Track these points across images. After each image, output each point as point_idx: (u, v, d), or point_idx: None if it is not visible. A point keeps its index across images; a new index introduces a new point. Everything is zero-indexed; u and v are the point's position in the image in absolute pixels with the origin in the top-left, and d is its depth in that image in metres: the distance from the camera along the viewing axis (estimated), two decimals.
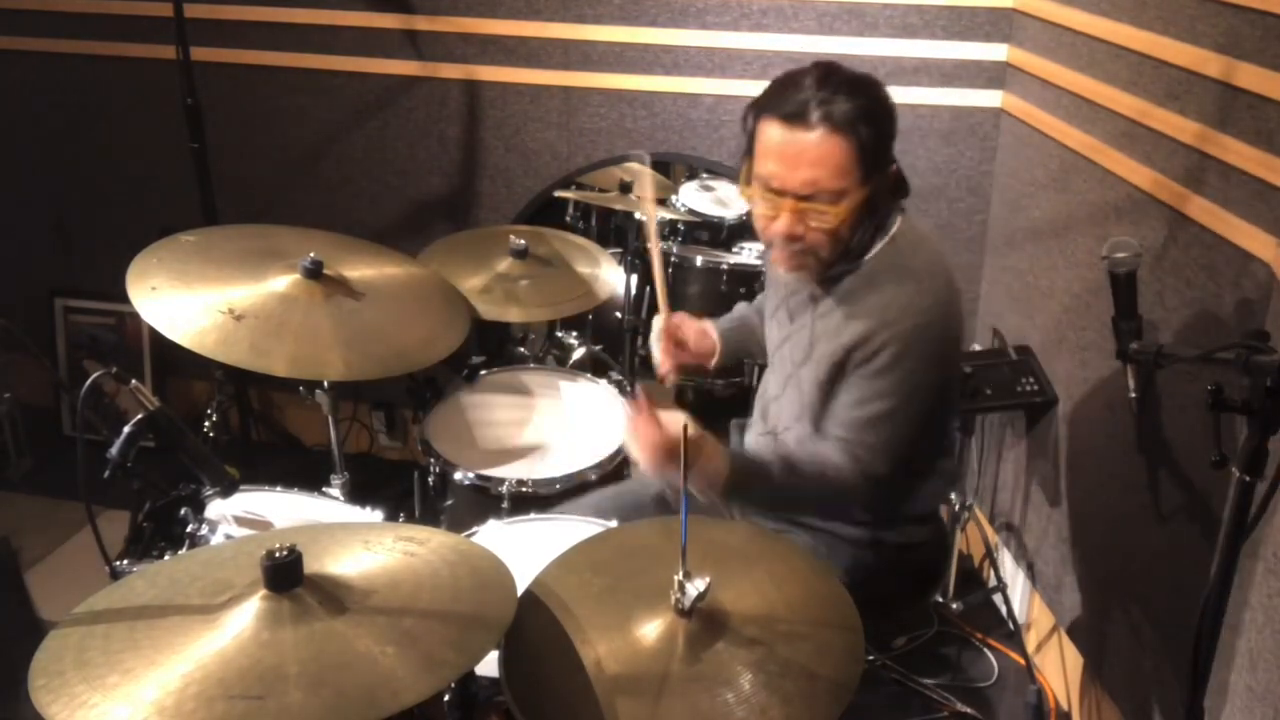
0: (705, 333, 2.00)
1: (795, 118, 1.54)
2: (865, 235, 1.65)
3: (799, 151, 1.54)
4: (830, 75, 1.57)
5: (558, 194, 2.88)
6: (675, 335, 1.94)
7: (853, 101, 1.53)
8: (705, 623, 1.27)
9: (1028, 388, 2.39)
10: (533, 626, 1.30)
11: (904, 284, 1.61)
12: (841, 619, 1.34)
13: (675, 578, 1.25)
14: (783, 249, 1.63)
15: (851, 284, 1.67)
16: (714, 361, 1.99)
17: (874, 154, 1.56)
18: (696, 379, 2.80)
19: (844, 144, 1.53)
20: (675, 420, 1.50)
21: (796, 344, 1.76)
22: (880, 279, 1.64)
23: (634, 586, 1.34)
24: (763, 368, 1.96)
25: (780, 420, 1.83)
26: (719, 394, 2.79)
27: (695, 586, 1.25)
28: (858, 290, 1.66)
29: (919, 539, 1.83)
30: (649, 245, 1.93)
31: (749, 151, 1.64)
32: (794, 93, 1.55)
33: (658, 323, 1.92)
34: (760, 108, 1.61)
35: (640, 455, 1.55)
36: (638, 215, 2.82)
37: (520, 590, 1.33)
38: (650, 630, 1.27)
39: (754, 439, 1.92)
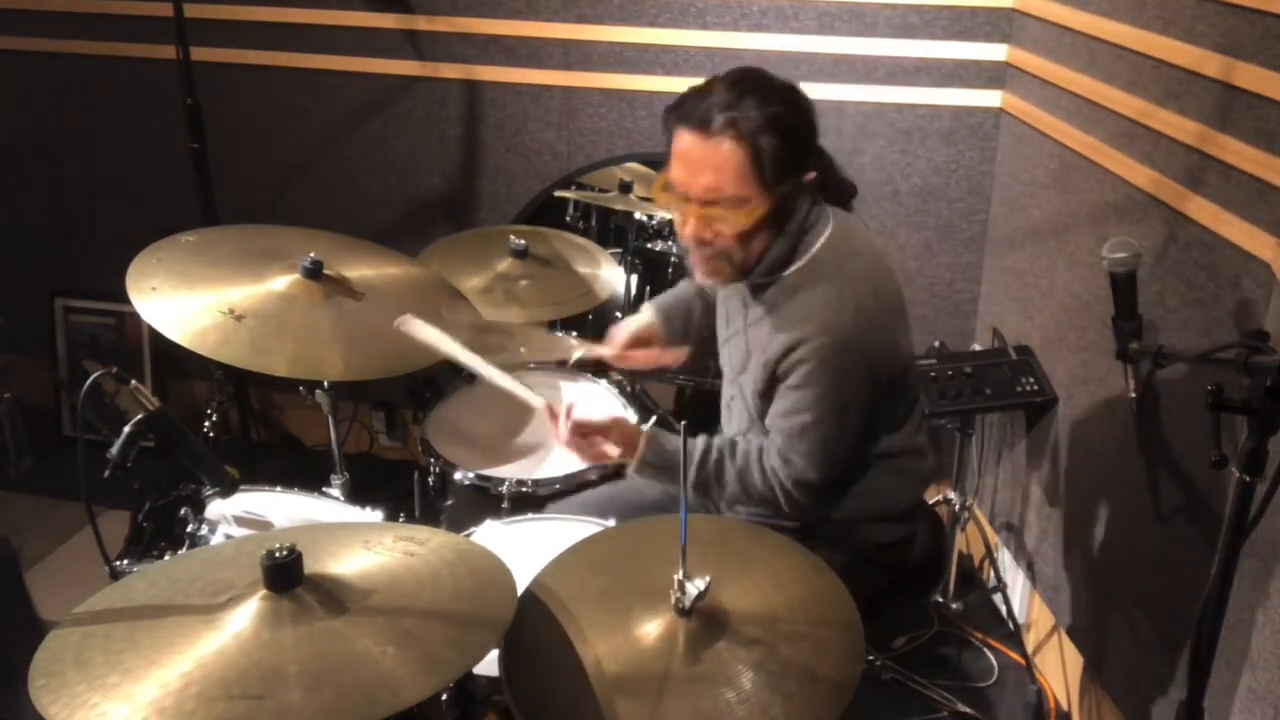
0: (643, 324, 2.03)
1: (699, 124, 1.57)
2: (787, 243, 1.66)
3: (700, 158, 1.57)
4: (740, 82, 1.58)
5: (558, 194, 2.88)
6: (624, 353, 1.99)
7: (761, 110, 1.55)
8: (705, 622, 1.27)
9: (1028, 388, 2.39)
10: (532, 626, 1.30)
11: (822, 298, 1.63)
12: (842, 618, 1.34)
13: (675, 577, 1.25)
14: (695, 254, 1.67)
15: (775, 295, 1.69)
16: (664, 342, 2.01)
17: (779, 163, 1.56)
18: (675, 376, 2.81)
19: (744, 152, 1.55)
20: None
21: (734, 350, 1.80)
22: (801, 291, 1.66)
23: (634, 586, 1.34)
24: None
25: (732, 427, 1.87)
26: (719, 392, 2.79)
27: (695, 586, 1.25)
28: (781, 302, 1.68)
29: (894, 537, 1.84)
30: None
31: (668, 157, 1.66)
32: (702, 99, 1.58)
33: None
34: (672, 114, 1.64)
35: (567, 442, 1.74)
36: (638, 215, 2.82)
37: (520, 590, 1.33)
38: (650, 630, 1.27)
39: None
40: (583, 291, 2.36)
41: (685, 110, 1.60)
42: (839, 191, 1.77)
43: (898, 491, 1.83)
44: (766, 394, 1.70)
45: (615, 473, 2.06)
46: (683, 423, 1.29)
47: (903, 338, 1.74)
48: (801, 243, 1.67)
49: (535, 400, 1.78)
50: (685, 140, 1.59)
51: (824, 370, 1.61)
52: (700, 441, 1.75)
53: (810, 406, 1.64)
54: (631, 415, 2.20)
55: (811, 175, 1.63)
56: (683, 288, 2.08)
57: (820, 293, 1.63)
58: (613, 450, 1.73)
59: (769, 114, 1.55)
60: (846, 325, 1.61)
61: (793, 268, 1.68)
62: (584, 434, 1.74)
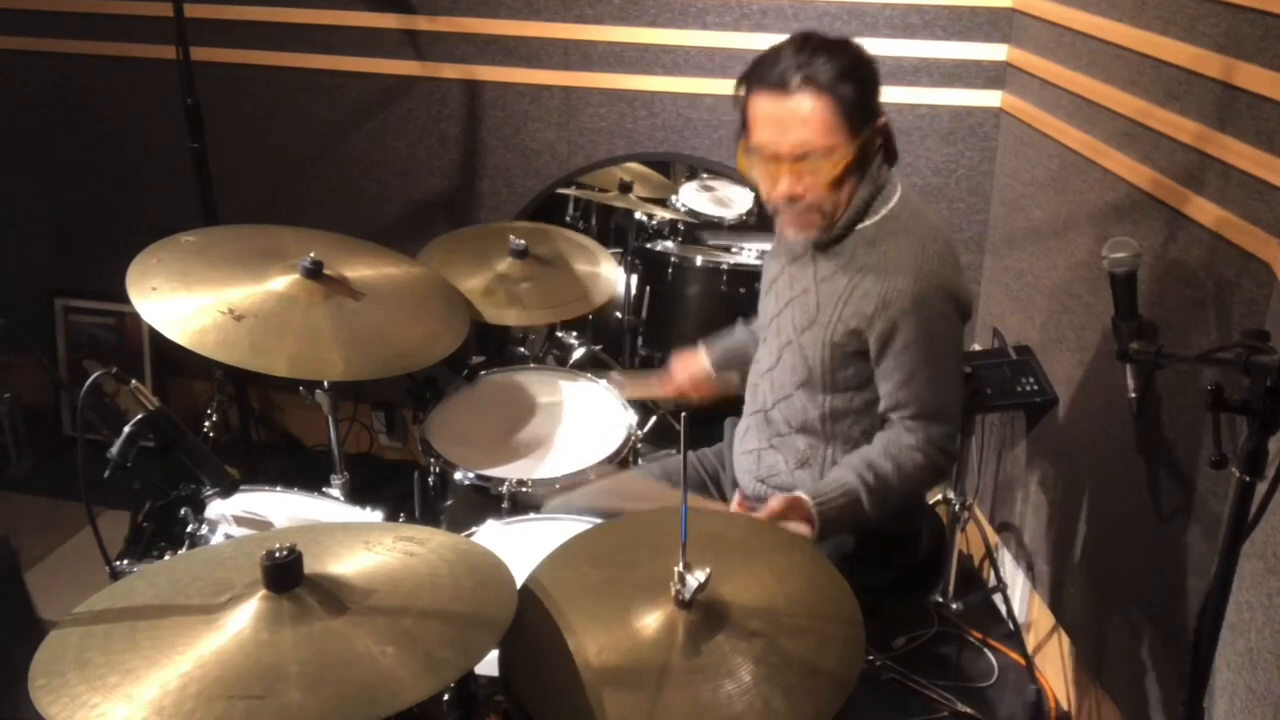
0: (699, 367, 2.11)
1: (778, 85, 1.63)
2: (867, 192, 1.71)
3: (786, 116, 1.63)
4: (807, 41, 1.65)
5: (559, 191, 2.88)
6: (686, 387, 2.09)
7: (832, 63, 1.62)
8: (705, 615, 1.27)
9: (1028, 388, 2.39)
10: (532, 618, 1.30)
11: (908, 247, 1.69)
12: (842, 611, 1.34)
13: (675, 569, 1.25)
14: (788, 211, 1.72)
15: (853, 248, 1.73)
16: (714, 378, 2.09)
17: (857, 108, 1.64)
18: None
19: (827, 103, 1.62)
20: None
21: (799, 308, 1.80)
22: (883, 243, 1.71)
23: (633, 579, 1.34)
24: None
25: (776, 391, 1.85)
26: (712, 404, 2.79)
27: (695, 578, 1.25)
28: (860, 254, 1.72)
29: (903, 530, 1.84)
30: None
31: (744, 125, 1.72)
32: (775, 63, 1.64)
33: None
34: (747, 82, 1.70)
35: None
36: (638, 215, 2.82)
37: (519, 581, 1.33)
38: (650, 622, 1.27)
39: (754, 435, 1.92)
40: (583, 292, 2.36)
41: (760, 75, 1.66)
42: (889, 148, 1.80)
43: None
44: (845, 347, 1.73)
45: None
46: (683, 415, 1.29)
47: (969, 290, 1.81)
48: (879, 196, 1.73)
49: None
50: (766, 103, 1.65)
51: (923, 314, 1.66)
52: (848, 474, 1.71)
53: (926, 360, 1.68)
54: (631, 415, 2.20)
55: (884, 119, 1.70)
56: (739, 333, 2.13)
57: (905, 242, 1.69)
58: (802, 529, 1.66)
59: (839, 66, 1.62)
60: (935, 269, 1.68)
61: (869, 221, 1.73)
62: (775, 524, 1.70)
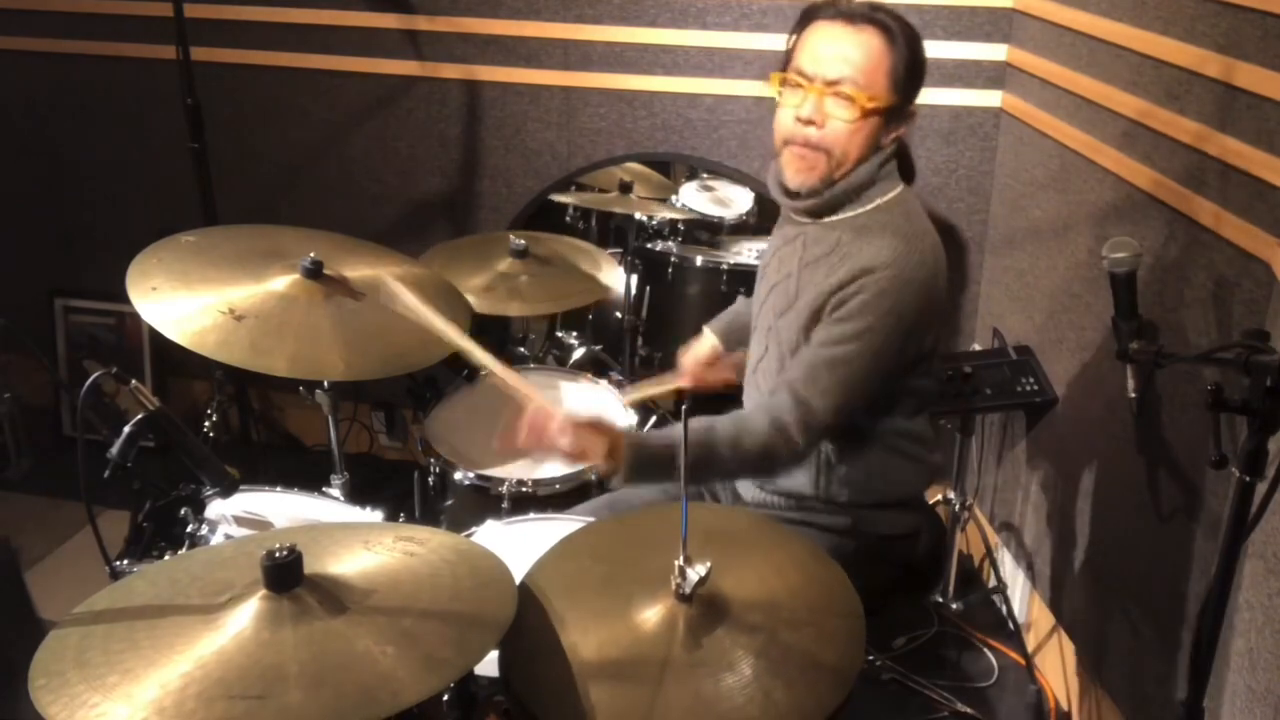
0: (707, 348, 2.11)
1: (845, 17, 1.68)
2: (869, 172, 1.71)
3: (843, 41, 1.66)
4: (873, 4, 1.71)
5: (555, 198, 2.88)
6: (699, 374, 2.09)
7: (900, 26, 1.68)
8: (706, 609, 1.27)
9: (1028, 388, 2.39)
10: (532, 616, 1.30)
11: (890, 240, 1.68)
12: (843, 605, 1.34)
13: (676, 563, 1.25)
14: (797, 143, 1.70)
15: (839, 234, 1.73)
16: (726, 358, 2.09)
17: (905, 73, 1.67)
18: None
19: (884, 47, 1.66)
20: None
21: (780, 293, 1.80)
22: (869, 233, 1.70)
23: (634, 573, 1.34)
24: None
25: (767, 382, 1.84)
26: (718, 393, 2.79)
27: (696, 572, 1.25)
28: (845, 240, 1.72)
29: (903, 529, 1.84)
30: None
31: (788, 57, 1.74)
32: (845, 4, 1.70)
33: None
34: (809, 17, 1.73)
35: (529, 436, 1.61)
36: (638, 215, 2.82)
37: (519, 577, 1.33)
38: (651, 616, 1.27)
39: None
40: (583, 287, 2.36)
41: (827, 9, 1.70)
42: (906, 166, 1.81)
43: (913, 478, 1.84)
44: (809, 326, 1.71)
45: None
46: (684, 406, 1.29)
47: (942, 314, 1.77)
48: (877, 184, 1.73)
49: (527, 390, 1.70)
50: (825, 29, 1.68)
51: (879, 302, 1.64)
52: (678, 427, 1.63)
53: (852, 338, 1.64)
54: (631, 416, 2.20)
55: (915, 111, 1.73)
56: (739, 304, 2.12)
57: (888, 235, 1.68)
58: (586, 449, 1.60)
59: (905, 33, 1.68)
60: (912, 265, 1.66)
61: (860, 209, 1.72)
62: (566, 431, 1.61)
